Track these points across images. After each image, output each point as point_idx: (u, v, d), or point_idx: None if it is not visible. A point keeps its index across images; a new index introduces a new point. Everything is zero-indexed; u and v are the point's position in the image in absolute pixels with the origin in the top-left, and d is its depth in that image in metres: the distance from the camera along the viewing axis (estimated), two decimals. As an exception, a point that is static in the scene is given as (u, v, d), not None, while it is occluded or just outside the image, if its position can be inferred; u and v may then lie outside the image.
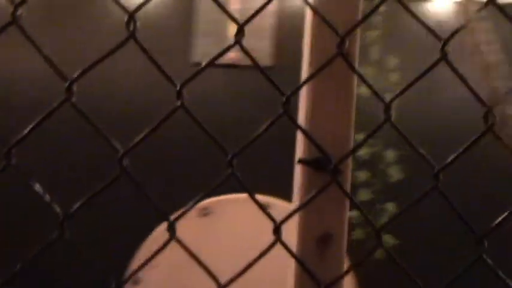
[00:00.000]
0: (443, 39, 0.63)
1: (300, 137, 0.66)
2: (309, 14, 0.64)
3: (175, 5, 2.63)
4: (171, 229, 0.60)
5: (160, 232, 2.34)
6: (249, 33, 0.58)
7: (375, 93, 0.61)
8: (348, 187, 0.62)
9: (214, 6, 0.59)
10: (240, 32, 0.58)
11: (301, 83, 0.62)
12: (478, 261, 0.61)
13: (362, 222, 1.73)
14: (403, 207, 0.63)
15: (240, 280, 0.62)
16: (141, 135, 0.56)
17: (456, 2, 2.78)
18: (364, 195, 1.95)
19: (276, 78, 0.61)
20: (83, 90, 0.58)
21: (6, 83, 2.62)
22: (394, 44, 1.91)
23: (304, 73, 0.65)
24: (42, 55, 0.55)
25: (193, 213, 2.51)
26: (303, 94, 0.64)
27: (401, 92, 0.63)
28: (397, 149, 1.70)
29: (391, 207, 1.90)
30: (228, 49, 0.58)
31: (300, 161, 0.62)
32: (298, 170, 0.66)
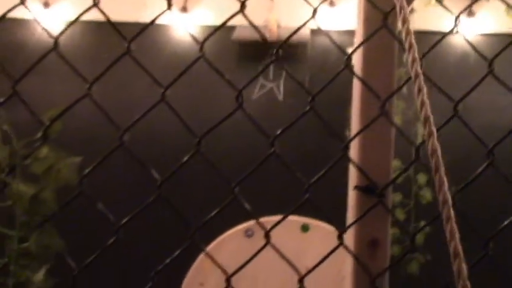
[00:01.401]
0: (490, 60, 0.86)
1: (352, 170, 0.92)
2: (355, 82, 0.90)
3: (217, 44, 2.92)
4: (267, 236, 0.86)
5: (209, 250, 2.58)
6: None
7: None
8: (389, 206, 0.88)
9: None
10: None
11: (351, 137, 0.88)
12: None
13: (398, 239, 1.96)
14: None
15: None
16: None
17: (481, 35, 3.01)
18: (399, 214, 2.19)
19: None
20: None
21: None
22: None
23: (355, 125, 0.91)
24: (96, 105, 0.83)
25: (239, 233, 2.73)
26: (355, 140, 0.90)
27: (467, 93, 0.86)
28: (427, 173, 1.93)
29: (423, 224, 2.13)
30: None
31: (356, 188, 0.88)
32: (351, 194, 0.92)
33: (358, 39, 0.94)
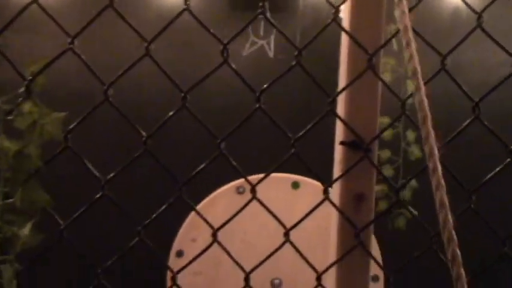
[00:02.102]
0: (479, 12, 0.85)
1: (339, 125, 0.91)
2: (344, 37, 0.89)
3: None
4: (253, 191, 0.86)
5: (203, 206, 2.60)
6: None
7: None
8: (375, 161, 0.88)
9: None
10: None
11: (340, 89, 0.87)
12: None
13: (387, 195, 1.98)
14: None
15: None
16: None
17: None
18: (388, 171, 2.20)
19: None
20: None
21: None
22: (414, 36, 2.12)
23: (342, 80, 0.90)
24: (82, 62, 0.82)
25: (231, 190, 2.75)
26: (341, 95, 0.89)
27: (455, 47, 0.85)
28: (416, 129, 1.94)
29: (412, 182, 2.15)
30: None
31: (341, 143, 0.88)
32: (338, 149, 0.92)
33: (346, -8, 0.92)
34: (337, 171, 0.91)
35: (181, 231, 2.47)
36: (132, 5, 2.87)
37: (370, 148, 0.86)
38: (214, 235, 0.85)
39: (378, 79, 0.87)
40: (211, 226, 0.86)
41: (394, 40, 2.22)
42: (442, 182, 0.69)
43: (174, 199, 0.83)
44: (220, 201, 2.44)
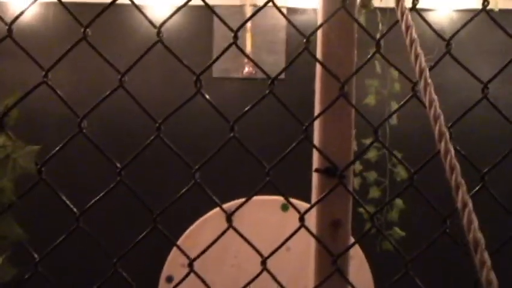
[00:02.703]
0: (447, 39, 0.87)
1: (315, 151, 0.92)
2: (318, 67, 0.90)
3: (196, 26, 2.89)
4: (229, 220, 0.86)
5: (192, 231, 2.59)
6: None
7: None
8: (350, 187, 0.88)
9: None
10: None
11: (315, 116, 0.88)
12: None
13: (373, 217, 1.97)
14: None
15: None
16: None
17: (456, 10, 3.01)
18: (375, 192, 2.21)
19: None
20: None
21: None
22: (395, 58, 2.15)
23: (317, 107, 0.91)
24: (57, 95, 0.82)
25: (220, 214, 2.76)
26: (317, 122, 0.90)
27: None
28: (402, 150, 1.95)
29: (399, 202, 2.16)
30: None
31: (316, 170, 0.88)
32: (314, 176, 0.92)
33: (319, 20, 0.93)
34: (314, 197, 0.92)
35: (171, 256, 2.46)
36: (122, 30, 2.90)
37: (344, 175, 0.86)
38: (190, 265, 0.85)
39: (351, 106, 0.88)
40: (188, 257, 0.86)
41: (377, 63, 2.25)
42: (456, 164, 0.66)
43: (149, 229, 0.83)
44: (208, 225, 2.43)
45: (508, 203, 0.89)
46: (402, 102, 0.88)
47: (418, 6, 0.86)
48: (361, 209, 0.93)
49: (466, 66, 0.90)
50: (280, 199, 2.45)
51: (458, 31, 0.89)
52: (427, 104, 0.71)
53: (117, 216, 2.66)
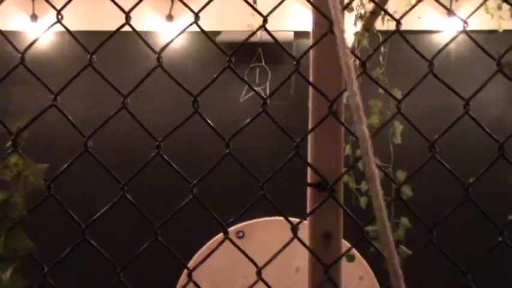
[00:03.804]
0: (430, 59, 0.91)
1: (308, 168, 0.97)
2: (311, 88, 0.96)
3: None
4: (225, 237, 0.91)
5: (203, 251, 2.64)
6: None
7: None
8: (341, 200, 0.93)
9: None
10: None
11: (307, 133, 0.93)
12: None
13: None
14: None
15: None
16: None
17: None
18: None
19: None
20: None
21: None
22: (398, 78, 2.20)
23: (310, 125, 0.96)
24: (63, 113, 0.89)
25: (231, 235, 2.79)
26: (309, 139, 0.95)
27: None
28: (407, 169, 1.98)
29: (404, 221, 2.18)
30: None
31: (308, 184, 0.93)
32: (308, 190, 0.97)
33: (311, 43, 0.99)
34: (308, 211, 0.97)
35: (183, 275, 2.51)
36: (134, 57, 3.00)
37: (334, 188, 0.91)
38: (189, 275, 0.90)
39: (340, 124, 0.93)
40: (186, 267, 0.90)
41: (380, 82, 2.29)
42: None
43: (150, 242, 0.88)
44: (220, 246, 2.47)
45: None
46: (386, 122, 0.93)
47: (425, 28, 0.92)
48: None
49: (451, 86, 0.95)
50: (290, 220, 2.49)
51: (439, 52, 0.94)
52: (353, 107, 0.76)
53: (122, 228, 2.74)
